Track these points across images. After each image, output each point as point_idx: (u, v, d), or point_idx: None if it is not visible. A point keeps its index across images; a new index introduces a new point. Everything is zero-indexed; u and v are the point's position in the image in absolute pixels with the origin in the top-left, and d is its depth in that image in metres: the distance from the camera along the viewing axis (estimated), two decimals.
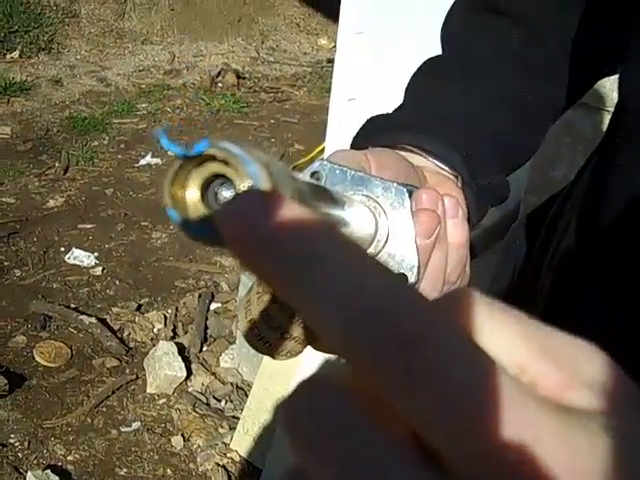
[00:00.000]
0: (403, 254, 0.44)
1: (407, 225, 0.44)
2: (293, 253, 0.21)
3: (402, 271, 0.45)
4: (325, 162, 0.45)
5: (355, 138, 0.58)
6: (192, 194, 0.27)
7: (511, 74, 0.60)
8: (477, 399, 0.19)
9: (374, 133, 0.56)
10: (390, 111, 0.59)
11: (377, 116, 0.59)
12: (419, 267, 0.45)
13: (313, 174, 0.44)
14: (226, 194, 0.27)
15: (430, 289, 0.47)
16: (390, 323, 0.20)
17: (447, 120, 0.56)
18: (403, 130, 0.55)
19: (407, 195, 0.44)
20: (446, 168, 0.54)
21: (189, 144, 0.26)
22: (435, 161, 0.54)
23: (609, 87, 1.50)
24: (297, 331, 0.44)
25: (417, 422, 0.20)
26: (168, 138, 0.26)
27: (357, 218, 0.41)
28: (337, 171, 0.44)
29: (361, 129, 0.58)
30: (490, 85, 0.59)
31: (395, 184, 0.44)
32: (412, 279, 0.45)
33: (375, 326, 0.20)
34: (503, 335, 0.22)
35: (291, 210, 0.21)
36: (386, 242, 0.44)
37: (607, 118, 1.54)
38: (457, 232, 0.48)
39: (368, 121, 0.58)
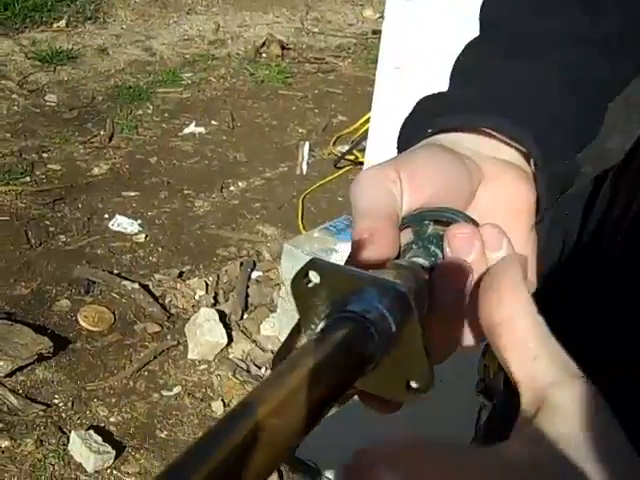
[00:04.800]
0: (412, 362, 0.37)
1: (414, 331, 0.36)
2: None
3: (411, 381, 0.38)
4: (317, 260, 0.38)
5: (406, 124, 0.53)
6: None
7: (571, 52, 0.56)
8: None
9: (430, 117, 0.51)
10: (443, 91, 0.54)
11: (430, 96, 0.54)
12: (432, 376, 0.38)
13: (305, 275, 0.38)
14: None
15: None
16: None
17: (515, 100, 0.52)
18: (468, 111, 0.51)
19: (409, 297, 0.36)
20: (518, 151, 0.50)
21: None
22: (510, 140, 0.50)
23: None
24: None
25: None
26: None
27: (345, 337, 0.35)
28: None
29: (413, 112, 0.53)
30: (551, 64, 0.55)
31: (394, 287, 0.36)
32: (425, 390, 0.38)
33: None
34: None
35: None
36: (389, 350, 0.36)
37: None
38: None
39: (420, 103, 0.54)
